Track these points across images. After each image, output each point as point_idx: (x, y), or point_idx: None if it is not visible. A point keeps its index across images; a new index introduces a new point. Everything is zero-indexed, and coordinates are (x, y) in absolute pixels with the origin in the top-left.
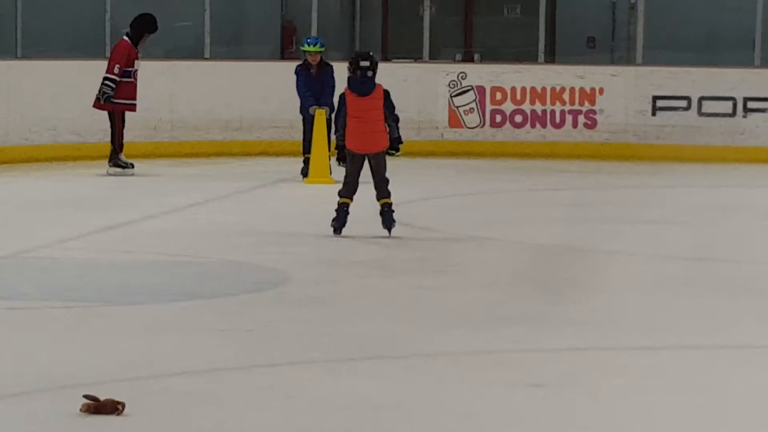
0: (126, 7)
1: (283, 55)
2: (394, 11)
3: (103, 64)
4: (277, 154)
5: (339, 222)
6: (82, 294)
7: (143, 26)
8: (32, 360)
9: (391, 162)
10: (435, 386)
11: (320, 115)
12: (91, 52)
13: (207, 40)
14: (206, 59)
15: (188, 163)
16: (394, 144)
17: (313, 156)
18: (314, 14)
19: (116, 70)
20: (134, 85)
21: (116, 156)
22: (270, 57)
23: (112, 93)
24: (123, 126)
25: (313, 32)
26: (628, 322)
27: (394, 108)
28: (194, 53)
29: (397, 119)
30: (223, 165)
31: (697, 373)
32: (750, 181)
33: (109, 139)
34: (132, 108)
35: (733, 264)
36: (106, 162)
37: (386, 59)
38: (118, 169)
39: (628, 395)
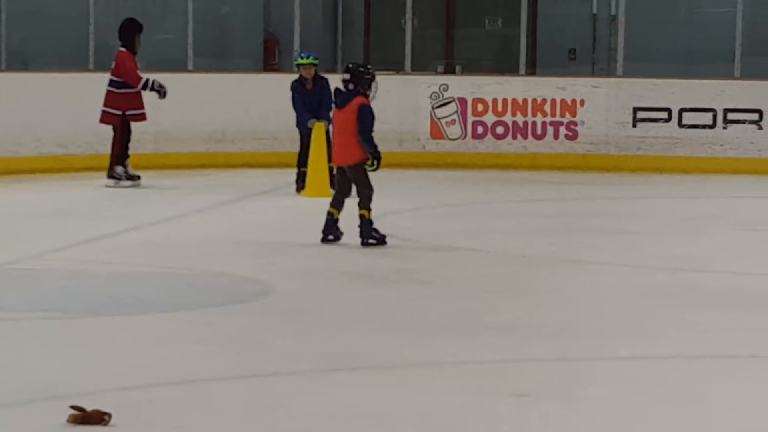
0: (110, 20)
1: (266, 68)
2: (376, 24)
3: (88, 76)
4: (260, 166)
5: (323, 230)
6: (67, 305)
7: (130, 30)
8: (18, 371)
9: (373, 174)
10: (420, 396)
11: (319, 129)
12: (75, 65)
13: (190, 53)
14: (189, 71)
15: (172, 175)
16: (371, 158)
17: (311, 169)
18: (297, 27)
19: (141, 75)
20: (140, 95)
21: (113, 168)
22: (253, 69)
23: (162, 86)
24: (129, 138)
25: (296, 45)
26: (610, 333)
27: (366, 123)
28: (177, 66)
29: (366, 134)
30: (206, 177)
31: (677, 383)
32: (730, 192)
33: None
34: (142, 117)
35: (713, 275)
36: (89, 174)
37: None
38: (115, 181)
39: (611, 405)
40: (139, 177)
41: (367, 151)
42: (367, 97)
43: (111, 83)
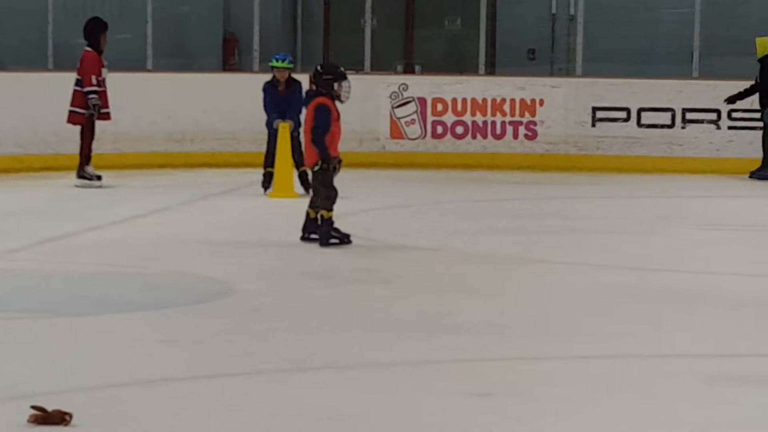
0: (68, 19)
1: (225, 68)
2: (335, 24)
3: (47, 76)
4: (219, 166)
5: (303, 228)
6: (28, 305)
7: (95, 29)
8: None
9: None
10: (383, 396)
11: (284, 129)
12: (33, 65)
13: (149, 52)
14: (148, 71)
15: (132, 175)
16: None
17: (277, 170)
18: (256, 27)
19: (94, 81)
20: (105, 94)
21: (83, 168)
22: (212, 69)
23: (99, 102)
24: (92, 137)
25: (255, 44)
26: (572, 332)
27: (316, 122)
28: (136, 65)
29: (314, 134)
30: (166, 176)
31: (640, 383)
32: (689, 192)
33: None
34: (106, 117)
35: (673, 273)
36: (48, 173)
37: None
38: (85, 181)
39: (574, 404)
40: (100, 177)
41: (317, 152)
42: (327, 96)
43: (77, 82)
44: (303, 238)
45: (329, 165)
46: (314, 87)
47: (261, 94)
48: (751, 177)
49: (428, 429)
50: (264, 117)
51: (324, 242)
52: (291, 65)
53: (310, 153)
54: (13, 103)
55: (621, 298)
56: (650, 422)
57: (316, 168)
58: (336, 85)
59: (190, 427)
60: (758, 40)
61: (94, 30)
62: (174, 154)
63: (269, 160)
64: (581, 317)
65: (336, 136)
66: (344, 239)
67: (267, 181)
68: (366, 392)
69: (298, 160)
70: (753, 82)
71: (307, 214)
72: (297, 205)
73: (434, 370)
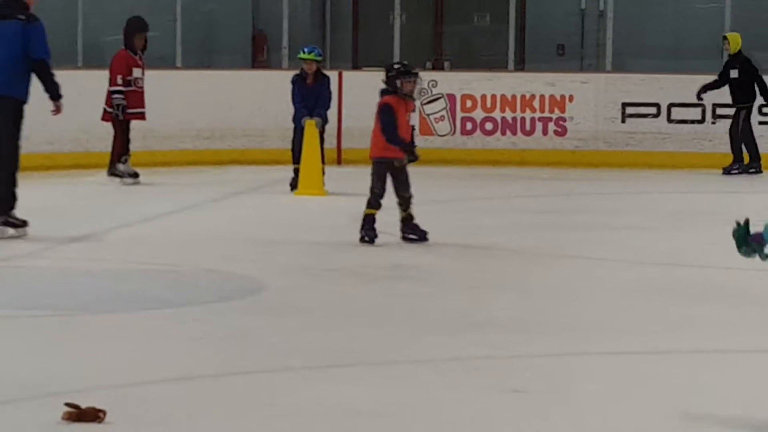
0: (98, 17)
1: (254, 65)
2: (364, 20)
3: (77, 74)
4: (248, 163)
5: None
6: (59, 303)
7: (131, 29)
8: (12, 369)
9: (363, 170)
10: (413, 393)
11: (310, 126)
12: (63, 62)
13: (178, 50)
14: (177, 68)
15: (161, 173)
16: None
17: (304, 167)
18: (285, 24)
19: (119, 81)
20: (138, 94)
21: (114, 166)
22: (241, 66)
23: (124, 103)
24: (125, 136)
25: (284, 41)
26: (603, 328)
27: (382, 122)
28: (166, 63)
29: (385, 133)
30: (195, 174)
31: (670, 378)
32: (719, 188)
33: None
34: (140, 116)
35: (703, 269)
36: (78, 171)
37: (357, 67)
38: (116, 179)
39: (605, 400)
40: (137, 174)
41: (397, 148)
42: (393, 94)
43: (109, 81)
44: (403, 238)
45: (413, 156)
46: (384, 85)
47: (290, 91)
48: (725, 173)
49: (459, 426)
50: (291, 110)
51: (361, 239)
52: (319, 57)
53: (371, 146)
54: (43, 101)
55: (651, 294)
56: (682, 417)
57: (404, 163)
58: (399, 82)
59: (221, 424)
60: (730, 35)
61: (129, 29)
62: (203, 151)
63: (296, 157)
64: (611, 313)
65: (402, 133)
66: (371, 239)
67: (296, 178)
68: (396, 389)
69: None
70: (717, 78)
71: (402, 217)
72: (325, 203)
73: (464, 367)
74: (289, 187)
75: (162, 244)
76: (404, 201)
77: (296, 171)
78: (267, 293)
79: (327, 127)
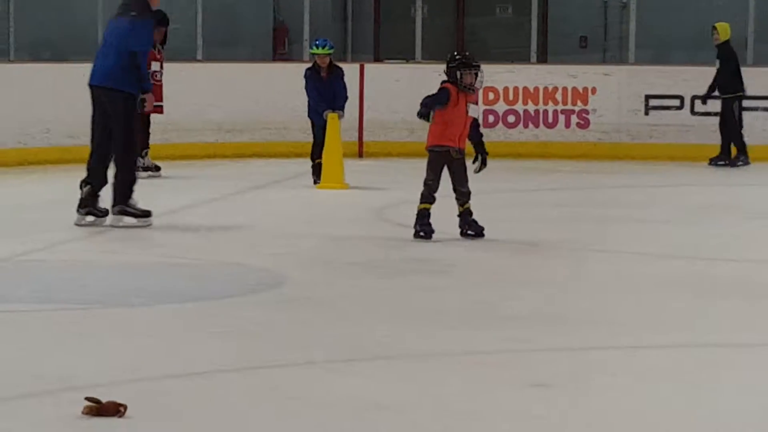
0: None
1: (275, 57)
2: (386, 12)
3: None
4: (269, 156)
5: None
6: (80, 296)
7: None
8: (32, 363)
9: (391, 164)
10: (435, 387)
11: (333, 120)
12: (84, 56)
13: (199, 42)
14: (198, 61)
15: (181, 166)
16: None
17: (326, 161)
18: (306, 16)
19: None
20: (157, 87)
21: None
22: (262, 59)
23: (144, 96)
24: (147, 130)
25: (306, 33)
26: (626, 322)
27: (431, 97)
28: (186, 55)
29: (422, 103)
30: (216, 167)
31: (692, 372)
32: (742, 180)
33: None
34: (159, 110)
35: (726, 263)
36: None
37: (378, 60)
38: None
39: (627, 394)
40: (159, 168)
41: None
42: (455, 84)
43: None
44: (462, 234)
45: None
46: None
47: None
48: (711, 164)
49: (481, 420)
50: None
51: (419, 234)
52: (332, 50)
53: (430, 134)
54: (64, 94)
55: (674, 287)
56: (704, 412)
57: (460, 155)
58: (459, 74)
59: (242, 418)
60: (719, 25)
61: None
62: (224, 144)
63: (317, 151)
64: (635, 307)
65: (453, 125)
66: (426, 233)
67: (316, 173)
68: (417, 382)
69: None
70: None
71: (459, 212)
72: (347, 196)
73: (486, 361)
74: (312, 180)
75: (182, 237)
76: (461, 196)
77: (317, 166)
78: (288, 287)
79: (348, 119)
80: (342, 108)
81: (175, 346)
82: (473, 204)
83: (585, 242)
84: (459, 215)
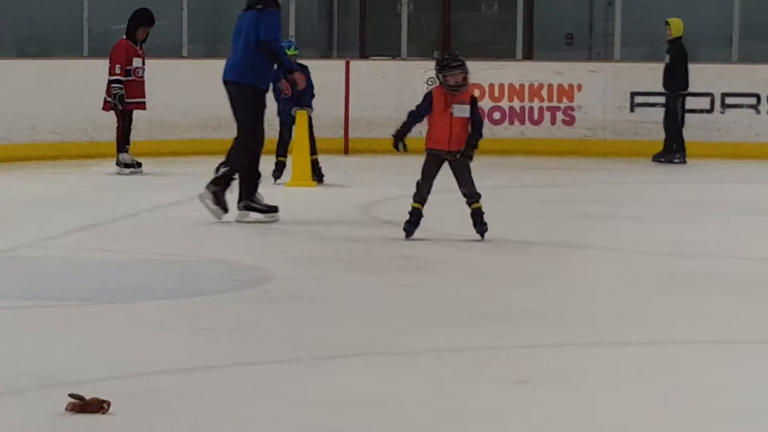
0: (104, 6)
1: None
2: (371, 9)
3: (82, 63)
4: None
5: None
6: (65, 293)
7: (137, 21)
8: (16, 359)
9: (374, 161)
10: (421, 383)
11: (301, 117)
12: (69, 52)
13: (184, 39)
14: (184, 58)
15: (167, 162)
16: None
17: (295, 159)
18: (292, 13)
19: (118, 71)
20: (139, 83)
21: (118, 155)
22: None
23: (123, 92)
24: (130, 125)
25: (291, 30)
26: (610, 318)
27: (416, 107)
28: (172, 52)
29: (408, 114)
30: (201, 164)
31: (679, 369)
32: (727, 177)
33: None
34: (141, 106)
35: (712, 259)
36: (84, 161)
37: (364, 57)
38: (121, 168)
39: (612, 391)
40: (140, 164)
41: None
42: (442, 86)
43: (109, 71)
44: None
45: (395, 140)
46: None
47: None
48: (654, 161)
49: (466, 416)
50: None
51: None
52: (297, 51)
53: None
54: (49, 91)
55: (658, 284)
56: (689, 410)
57: (457, 156)
58: (441, 77)
59: (229, 415)
60: (672, 20)
61: (135, 22)
62: (210, 140)
63: (282, 149)
64: (618, 303)
65: (437, 128)
66: (406, 232)
67: (278, 170)
68: (403, 379)
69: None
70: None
71: (470, 212)
72: (332, 193)
73: (472, 357)
74: (272, 179)
75: (168, 234)
76: (465, 197)
77: (280, 164)
78: (274, 284)
79: (333, 116)
80: (310, 105)
81: (161, 343)
82: (462, 199)
83: (570, 239)
84: (470, 215)
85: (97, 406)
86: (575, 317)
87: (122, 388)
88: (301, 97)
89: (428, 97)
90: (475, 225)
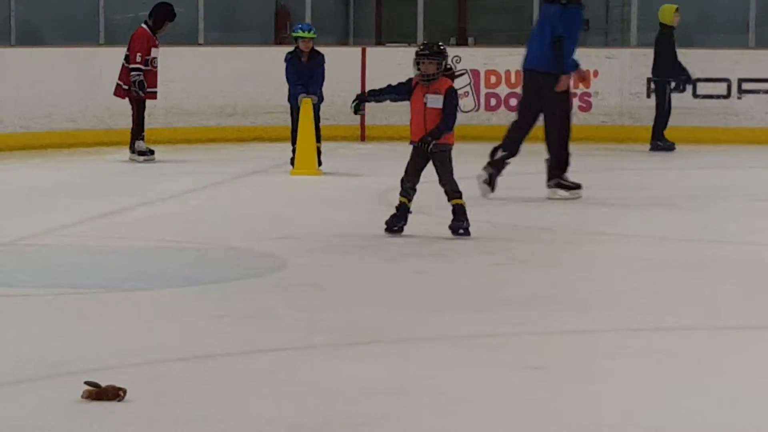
0: None
1: (277, 41)
2: None
3: (99, 51)
4: (272, 140)
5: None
6: (81, 281)
7: (164, 15)
8: (33, 347)
9: (387, 148)
10: (435, 370)
11: (306, 104)
12: (85, 40)
13: (201, 26)
14: (200, 45)
15: (183, 150)
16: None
17: (299, 146)
18: (308, 0)
19: (139, 59)
20: (154, 73)
21: (132, 143)
22: (264, 42)
23: (143, 79)
24: (142, 114)
25: (307, 17)
26: (626, 305)
27: None
28: (188, 39)
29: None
30: (218, 151)
31: (694, 355)
32: (745, 163)
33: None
34: (154, 96)
35: (728, 245)
36: (100, 148)
37: (380, 43)
38: (136, 156)
39: (627, 378)
40: (152, 152)
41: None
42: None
43: (125, 58)
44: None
45: (359, 97)
46: None
47: (284, 69)
48: (652, 149)
49: (480, 402)
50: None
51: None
52: (315, 35)
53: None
54: (64, 79)
55: (676, 271)
56: (705, 396)
57: (419, 144)
58: (417, 66)
59: (242, 401)
60: (664, 6)
61: (162, 16)
62: (226, 128)
63: (295, 136)
64: (635, 290)
65: (414, 119)
66: (387, 226)
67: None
68: (417, 366)
69: (317, 135)
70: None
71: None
72: (348, 180)
73: (487, 344)
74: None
75: (184, 221)
76: (446, 192)
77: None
78: (289, 271)
79: (350, 103)
80: (316, 93)
81: (175, 330)
82: (475, 187)
83: (587, 225)
84: (451, 211)
85: (113, 394)
86: (589, 303)
87: (137, 376)
88: (309, 82)
89: (409, 82)
90: (453, 221)
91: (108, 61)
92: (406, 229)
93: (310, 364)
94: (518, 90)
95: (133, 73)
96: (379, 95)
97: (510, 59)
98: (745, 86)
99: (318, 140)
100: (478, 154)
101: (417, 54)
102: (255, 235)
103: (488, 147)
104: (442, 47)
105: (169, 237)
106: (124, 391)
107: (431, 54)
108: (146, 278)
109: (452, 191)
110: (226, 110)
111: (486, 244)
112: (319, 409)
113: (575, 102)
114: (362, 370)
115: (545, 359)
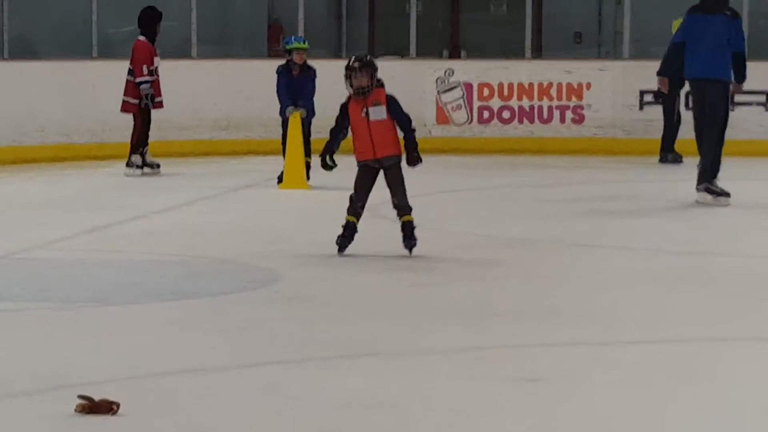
0: (112, 8)
1: (270, 54)
2: (380, 9)
3: (91, 65)
4: (265, 153)
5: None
6: (73, 295)
7: (151, 18)
8: (25, 361)
9: None
10: (429, 382)
11: (295, 118)
12: (78, 53)
13: (194, 40)
14: (193, 59)
15: (176, 163)
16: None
17: (288, 161)
18: (301, 13)
19: (145, 71)
20: (158, 82)
21: (130, 156)
22: (257, 56)
23: (152, 92)
24: (148, 126)
25: (300, 31)
26: (620, 317)
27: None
28: (181, 53)
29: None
30: (211, 164)
31: (691, 367)
32: (739, 175)
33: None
34: (158, 105)
35: (723, 257)
36: (93, 162)
37: (373, 57)
38: (132, 170)
39: (622, 389)
40: (158, 165)
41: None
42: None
43: (129, 72)
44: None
45: (323, 158)
46: None
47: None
48: (661, 161)
49: (474, 414)
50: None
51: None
52: (306, 45)
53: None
54: (58, 93)
55: (670, 283)
56: (703, 406)
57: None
58: (348, 82)
59: (236, 414)
60: (678, 21)
61: (149, 20)
62: (219, 141)
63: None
64: (630, 302)
65: (357, 137)
66: (337, 245)
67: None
68: (412, 379)
69: (306, 149)
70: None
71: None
72: (342, 193)
73: (480, 356)
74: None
75: (177, 235)
76: (396, 208)
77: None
78: (282, 284)
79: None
80: (306, 107)
81: (170, 343)
82: (471, 199)
83: (580, 238)
84: (401, 228)
85: (107, 408)
86: (586, 316)
87: (131, 389)
88: (299, 95)
89: (343, 108)
90: (404, 239)
91: (101, 75)
92: (396, 244)
93: (303, 377)
94: (511, 103)
95: (143, 86)
96: (335, 142)
97: (503, 72)
98: (739, 98)
99: (308, 154)
100: (471, 166)
101: (347, 68)
102: (248, 248)
103: (480, 160)
104: (371, 58)
105: (163, 250)
106: (118, 405)
107: (363, 66)
108: (139, 292)
109: (405, 206)
110: (219, 123)
111: (480, 257)
112: (313, 423)
113: (568, 114)
114: (358, 384)
115: (540, 372)
